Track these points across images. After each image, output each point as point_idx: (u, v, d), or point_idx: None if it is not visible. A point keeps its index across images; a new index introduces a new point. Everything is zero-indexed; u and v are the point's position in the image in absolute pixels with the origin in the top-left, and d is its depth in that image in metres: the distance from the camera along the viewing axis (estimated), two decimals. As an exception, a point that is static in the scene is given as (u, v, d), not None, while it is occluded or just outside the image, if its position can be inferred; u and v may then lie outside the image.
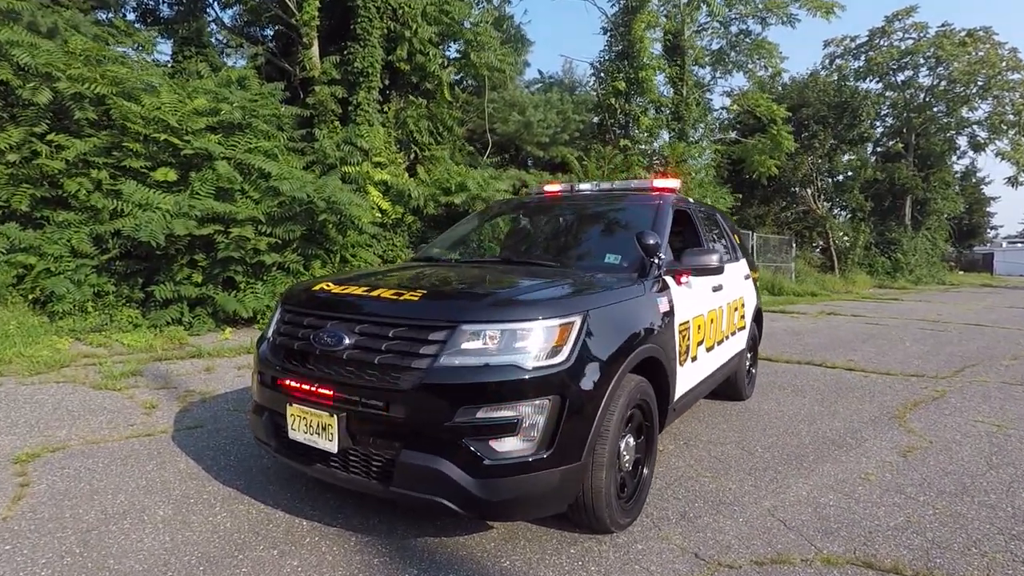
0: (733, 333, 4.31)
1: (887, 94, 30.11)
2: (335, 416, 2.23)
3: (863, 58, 29.44)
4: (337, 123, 11.26)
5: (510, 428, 2.09)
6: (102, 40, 9.46)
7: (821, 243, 28.06)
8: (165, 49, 14.06)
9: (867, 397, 5.32)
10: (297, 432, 2.39)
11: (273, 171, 8.56)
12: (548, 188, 4.39)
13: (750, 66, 20.32)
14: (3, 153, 7.62)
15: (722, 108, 23.20)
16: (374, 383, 2.20)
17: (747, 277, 4.96)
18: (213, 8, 13.38)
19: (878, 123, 30.57)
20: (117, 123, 8.01)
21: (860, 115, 26.19)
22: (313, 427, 2.32)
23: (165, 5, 13.29)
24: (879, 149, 31.47)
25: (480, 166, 13.19)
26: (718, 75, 21.01)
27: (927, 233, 30.87)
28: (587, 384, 2.25)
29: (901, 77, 29.83)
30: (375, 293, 2.43)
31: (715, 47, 20.24)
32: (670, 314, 3.00)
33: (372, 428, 2.21)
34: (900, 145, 29.83)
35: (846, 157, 28.19)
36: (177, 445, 3.64)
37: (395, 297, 2.36)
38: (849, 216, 29.17)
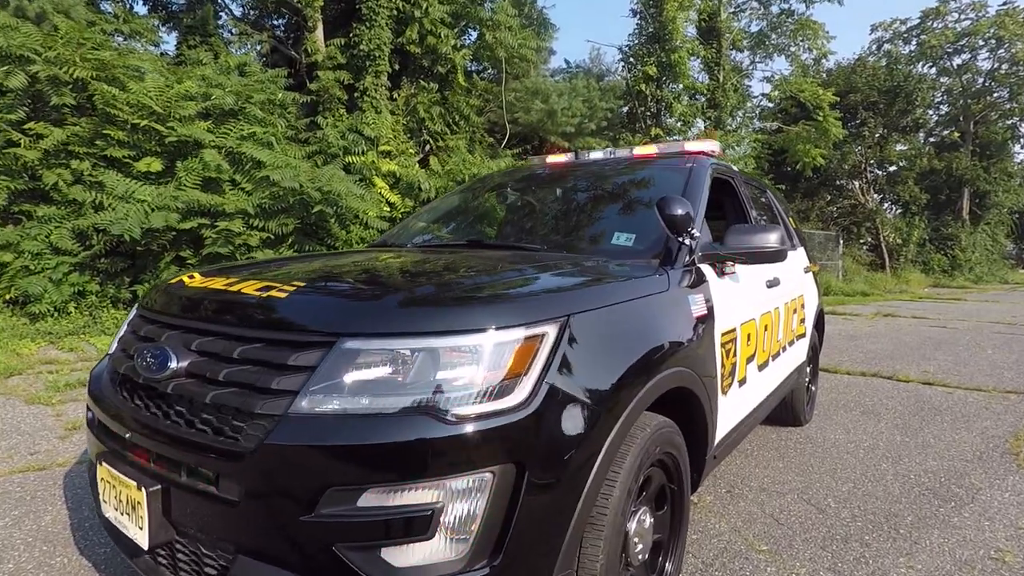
0: (791, 342, 3.29)
1: (942, 80, 27.97)
2: (143, 491, 1.35)
3: (915, 42, 27.40)
4: (343, 111, 10.52)
5: (421, 525, 1.18)
6: (97, 27, 8.94)
7: (870, 239, 26.17)
8: (172, 40, 13.60)
9: (961, 422, 4.21)
10: (108, 506, 1.53)
11: (266, 160, 7.83)
12: (552, 159, 3.45)
13: (793, 49, 18.82)
14: (-24, 143, 7.10)
15: (762, 95, 21.71)
16: (204, 439, 1.31)
17: (807, 270, 3.92)
18: (221, -3, 12.86)
19: (931, 111, 28.46)
20: (100, 110, 7.40)
21: (914, 100, 24.28)
22: (123, 503, 1.44)
23: (174, -4, 12.83)
24: (932, 139, 29.31)
25: (500, 157, 12.29)
26: (757, 59, 19.58)
27: (987, 228, 28.59)
28: (565, 440, 1.32)
29: (957, 61, 27.65)
30: (236, 287, 1.54)
31: (754, 29, 18.85)
32: (708, 319, 2.03)
33: (199, 515, 1.32)
34: (956, 134, 27.67)
35: (898, 146, 26.24)
36: (63, 486, 2.84)
37: (257, 295, 1.46)
38: (901, 210, 27.20)
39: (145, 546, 1.36)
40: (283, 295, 1.42)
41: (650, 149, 3.16)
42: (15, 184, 7.14)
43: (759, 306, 2.63)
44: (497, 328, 1.30)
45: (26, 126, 7.25)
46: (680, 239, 2.02)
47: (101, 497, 1.55)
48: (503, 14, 11.31)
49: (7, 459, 3.20)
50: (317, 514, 1.16)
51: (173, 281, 1.79)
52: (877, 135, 23.63)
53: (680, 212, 1.94)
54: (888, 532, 2.53)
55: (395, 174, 10.02)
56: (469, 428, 1.20)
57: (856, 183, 24.88)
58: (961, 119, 27.93)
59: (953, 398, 4.95)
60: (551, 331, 1.36)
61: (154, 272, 7.53)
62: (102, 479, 1.53)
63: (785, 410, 3.77)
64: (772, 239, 2.15)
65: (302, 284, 1.49)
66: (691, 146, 3.07)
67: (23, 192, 7.24)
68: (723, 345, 2.15)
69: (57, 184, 7.07)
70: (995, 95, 27.32)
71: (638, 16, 15.56)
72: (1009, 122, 27.95)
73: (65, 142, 7.18)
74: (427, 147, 11.73)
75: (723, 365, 2.15)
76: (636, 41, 15.58)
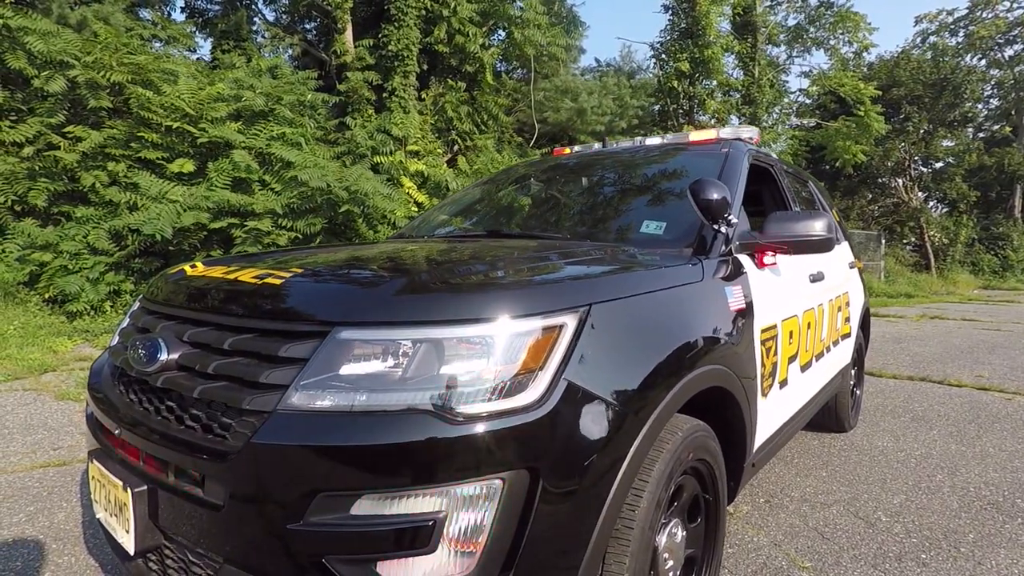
0: (835, 342, 3.07)
1: (992, 72, 26.70)
2: (128, 491, 1.25)
3: (962, 34, 26.23)
4: (371, 111, 10.55)
5: (422, 537, 1.05)
6: (134, 33, 9.15)
7: (914, 239, 25.10)
8: (207, 46, 13.90)
9: (1022, 431, 3.89)
10: (98, 506, 1.44)
11: (295, 160, 7.87)
12: (576, 149, 3.30)
13: (832, 42, 18.16)
14: (20, 146, 7.31)
15: (799, 90, 21.05)
16: (191, 436, 1.21)
17: (851, 266, 3.67)
18: (255, 3, 13.07)
19: (980, 105, 27.18)
20: (135, 113, 7.55)
21: (963, 94, 23.20)
22: (111, 503, 1.35)
23: (211, 2, 13.10)
24: (981, 134, 28.00)
25: (528, 157, 12.17)
26: (795, 54, 18.96)
27: (1041, 227, 27.14)
28: (586, 443, 1.17)
29: (1009, 52, 26.37)
30: (233, 275, 1.43)
31: (791, 22, 18.27)
32: (747, 314, 1.85)
33: (186, 519, 1.21)
34: (1008, 129, 26.36)
35: (945, 142, 25.11)
36: (81, 482, 2.83)
37: (253, 282, 1.35)
38: (947, 209, 26.04)
39: (131, 551, 1.26)
40: (278, 282, 1.31)
41: (682, 137, 2.99)
42: (55, 186, 7.33)
43: (802, 301, 2.43)
44: (509, 317, 1.16)
45: (65, 129, 7.44)
46: (715, 226, 1.85)
47: (92, 496, 1.47)
48: (532, 11, 11.18)
49: (30, 454, 3.21)
50: (306, 522, 1.04)
51: (174, 271, 1.71)
52: (922, 130, 22.64)
53: (716, 196, 1.77)
54: (948, 550, 2.29)
55: (423, 174, 9.99)
56: (477, 429, 1.07)
57: (899, 180, 23.89)
58: (1013, 113, 26.61)
59: (1013, 405, 4.60)
60: (570, 322, 1.22)
61: (186, 271, 7.65)
62: (93, 477, 1.45)
63: (828, 415, 3.54)
64: (817, 227, 1.96)
65: (300, 271, 1.38)
66: (726, 133, 2.89)
67: (62, 193, 7.44)
68: (763, 343, 1.97)
69: (94, 185, 7.24)
70: (1050, 87, 25.97)
71: (670, 12, 15.24)
72: (1066, 115, 26.53)
73: (102, 145, 7.34)
74: (455, 147, 11.68)
75: (763, 365, 1.97)
76: (668, 37, 15.25)
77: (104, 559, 2.12)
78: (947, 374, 5.79)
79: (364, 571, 1.04)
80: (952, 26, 26.38)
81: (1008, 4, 25.40)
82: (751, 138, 2.87)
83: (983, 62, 26.60)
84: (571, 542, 1.15)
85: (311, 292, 1.31)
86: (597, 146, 3.29)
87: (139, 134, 7.39)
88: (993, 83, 27.13)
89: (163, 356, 1.30)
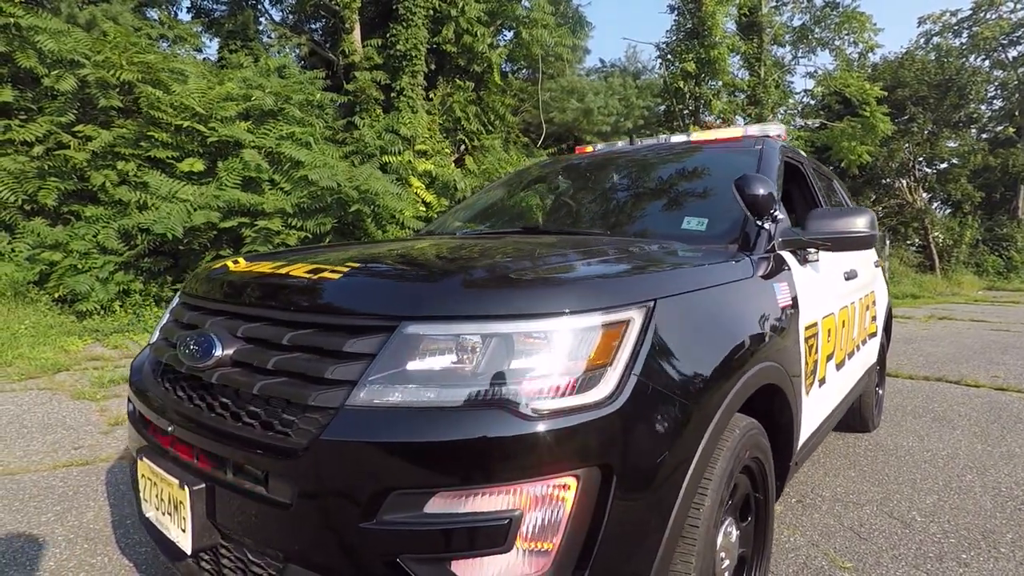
0: (864, 341, 3.04)
1: (995, 73, 26.65)
2: (186, 489, 1.23)
3: (965, 34, 26.18)
4: (379, 111, 10.53)
5: (497, 536, 1.03)
6: (142, 32, 9.14)
7: (918, 240, 25.07)
8: (213, 46, 13.90)
9: (1047, 431, 3.86)
10: (148, 505, 1.42)
11: (305, 159, 7.86)
12: (601, 147, 3.28)
13: (837, 43, 18.15)
14: (30, 145, 7.29)
15: (804, 91, 21.03)
16: (251, 433, 1.18)
17: (876, 264, 3.64)
18: (261, 3, 13.07)
19: (984, 106, 27.14)
20: (145, 112, 7.53)
21: (968, 94, 23.18)
22: (164, 502, 1.33)
23: (217, 2, 13.10)
24: (985, 135, 27.96)
25: (535, 157, 12.15)
26: (800, 54, 18.93)
27: (1045, 229, 27.09)
28: (658, 440, 1.15)
29: (1013, 53, 26.30)
30: (284, 271, 1.41)
31: (796, 23, 18.24)
32: (793, 310, 1.83)
33: (246, 518, 1.19)
34: (1012, 130, 26.30)
35: (950, 143, 25.08)
36: (106, 482, 2.79)
37: (308, 277, 1.33)
38: (951, 210, 26.01)
39: (188, 550, 1.24)
40: (336, 276, 1.29)
41: (709, 134, 2.97)
42: (65, 185, 7.31)
43: (838, 299, 2.41)
44: (579, 312, 1.13)
45: (75, 128, 7.43)
46: (760, 222, 1.83)
47: (142, 495, 1.45)
48: (540, 11, 11.17)
49: (52, 453, 3.19)
50: (379, 521, 1.02)
51: (217, 266, 1.69)
52: (927, 131, 22.63)
53: (762, 192, 1.75)
54: (987, 551, 2.27)
55: (431, 173, 9.98)
56: (551, 425, 1.05)
57: (904, 181, 23.88)
58: (1017, 113, 26.55)
59: (1033, 405, 4.57)
60: (637, 317, 1.19)
61: (193, 271, 7.64)
62: (143, 476, 1.43)
63: (853, 415, 3.51)
64: (860, 223, 1.94)
65: (356, 265, 1.36)
66: (753, 130, 2.87)
67: (72, 193, 7.42)
68: (806, 340, 1.95)
69: (104, 185, 7.22)
70: (1054, 88, 25.90)
71: (676, 12, 15.23)
72: (1070, 116, 26.45)
73: (112, 144, 7.33)
74: (462, 147, 11.67)
75: (806, 363, 1.94)
76: (674, 37, 15.24)
77: (138, 559, 2.10)
78: (963, 374, 5.77)
79: (439, 570, 1.02)
80: (955, 27, 26.31)
81: (1012, 5, 25.35)
82: (779, 135, 2.84)
83: (987, 63, 26.56)
84: (644, 541, 1.13)
85: (374, 287, 1.29)
86: (621, 144, 3.27)
87: (149, 133, 7.37)
88: (997, 84, 27.08)
89: (218, 352, 1.28)
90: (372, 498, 1.02)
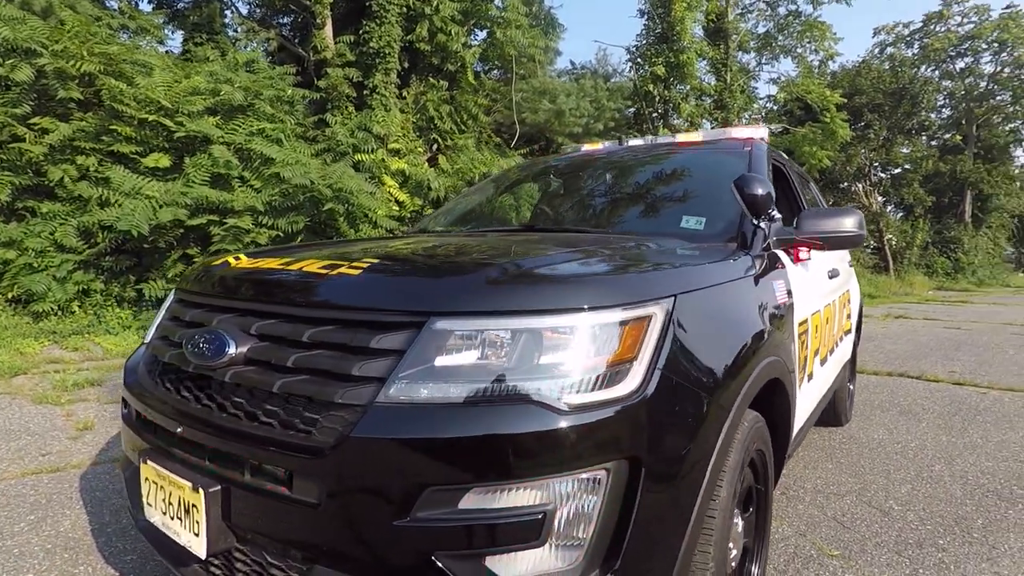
0: (841, 338, 3.16)
1: (944, 83, 27.95)
2: (201, 492, 1.20)
3: (917, 46, 27.37)
4: (351, 108, 10.38)
5: (532, 530, 1.03)
6: (103, 22, 8.79)
7: (873, 242, 26.10)
8: (177, 39, 13.47)
9: (1004, 423, 4.07)
10: (152, 510, 1.37)
11: (276, 156, 7.69)
12: (587, 148, 3.31)
13: (799, 50, 18.73)
14: (-18, 138, 6.93)
15: (768, 97, 21.61)
16: (270, 433, 1.16)
17: (850, 263, 3.78)
18: (227, -6, 12.70)
19: (934, 114, 28.43)
20: (107, 104, 7.25)
21: (920, 102, 24.25)
22: (173, 505, 1.29)
23: (180, -7, 12.67)
24: (934, 143, 29.29)
25: (508, 157, 12.15)
26: (764, 61, 19.50)
27: (989, 232, 28.53)
28: (683, 433, 1.18)
29: (960, 64, 27.63)
30: (295, 267, 1.39)
31: (761, 30, 18.76)
32: (789, 307, 1.89)
33: (266, 519, 1.16)
34: (958, 137, 27.63)
35: (903, 149, 26.19)
36: (81, 489, 2.68)
37: (323, 272, 1.31)
38: (904, 213, 27.15)
39: (202, 554, 1.20)
40: (356, 272, 1.27)
41: (694, 136, 3.03)
42: (19, 180, 6.98)
43: (823, 297, 2.49)
44: (606, 307, 1.15)
45: (31, 121, 7.09)
46: (757, 221, 1.88)
47: (145, 500, 1.39)
48: (514, 12, 11.18)
49: (18, 460, 3.04)
50: (413, 518, 1.01)
51: (217, 262, 1.64)
52: (882, 137, 23.58)
53: (761, 192, 1.80)
54: (961, 536, 2.38)
55: (404, 172, 9.88)
56: (583, 419, 1.06)
57: (860, 185, 24.81)
58: (964, 122, 27.89)
59: (989, 398, 4.81)
60: (659, 312, 1.22)
61: (160, 270, 7.39)
62: (147, 479, 1.38)
63: (828, 409, 3.62)
64: (849, 223, 2.01)
65: (375, 261, 1.34)
66: (737, 132, 2.94)
67: (27, 188, 7.08)
68: (799, 336, 2.01)
69: (62, 180, 6.92)
70: (997, 98, 27.29)
71: (646, 16, 15.47)
72: (1011, 126, 27.91)
73: (71, 137, 7.03)
74: (435, 146, 11.60)
75: (799, 357, 2.01)
76: (644, 41, 15.48)
77: (124, 568, 2.02)
78: (923, 370, 6.03)
79: (474, 566, 1.02)
80: (908, 38, 27.47)
81: (959, 19, 26.61)
82: (762, 138, 2.92)
83: (936, 73, 27.81)
84: (671, 532, 1.15)
85: (399, 282, 1.28)
86: (607, 144, 3.31)
87: (111, 127, 7.10)
88: (945, 94, 28.39)
89: (231, 350, 1.25)
90: (406, 495, 1.02)
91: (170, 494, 1.29)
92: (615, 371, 1.12)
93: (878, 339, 8.52)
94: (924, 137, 28.35)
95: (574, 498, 1.05)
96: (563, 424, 1.05)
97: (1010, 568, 2.14)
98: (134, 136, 7.20)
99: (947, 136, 28.47)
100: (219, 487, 1.19)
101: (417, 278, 1.33)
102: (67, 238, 6.79)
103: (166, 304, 1.72)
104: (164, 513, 1.32)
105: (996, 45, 26.10)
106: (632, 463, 1.09)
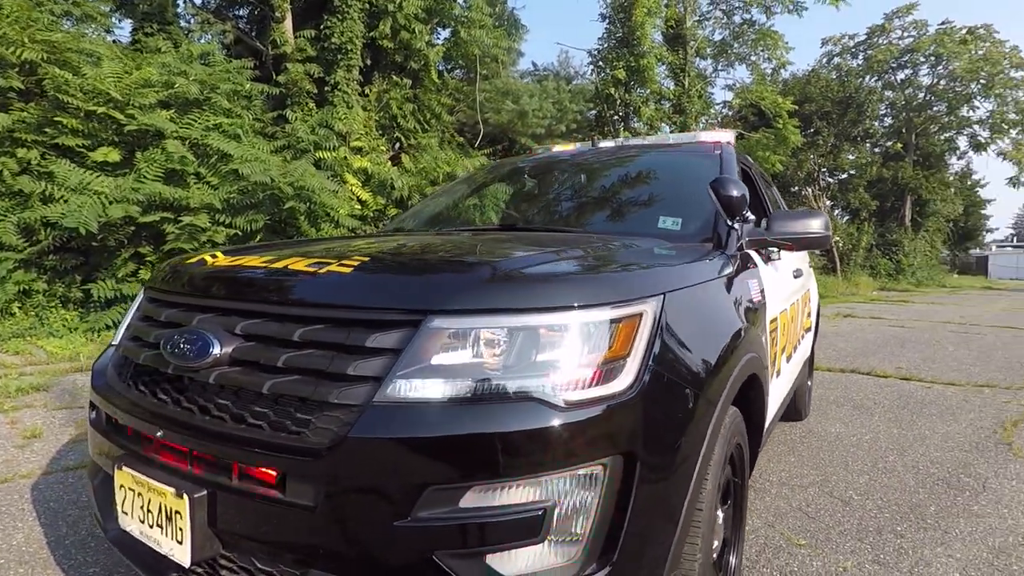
0: (803, 336, 3.28)
1: (886, 93, 29.39)
2: (185, 497, 1.15)
3: (862, 56, 28.70)
4: (312, 105, 10.16)
5: (532, 526, 1.04)
6: (45, 8, 8.33)
7: (823, 244, 27.10)
8: (126, 28, 12.92)
9: (948, 414, 4.31)
10: (129, 518, 1.31)
11: (234, 152, 7.45)
12: (559, 148, 3.34)
13: (753, 58, 19.36)
14: (-90, 128, 6.47)
15: (723, 102, 22.25)
16: (259, 435, 1.12)
17: (809, 264, 3.93)
18: (180, -16, 12.23)
19: (877, 122, 29.87)
20: (50, 95, 6.87)
21: (865, 111, 25.44)
22: (153, 513, 1.24)
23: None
24: (877, 150, 30.77)
25: (472, 157, 12.11)
26: (720, 67, 20.05)
27: (927, 235, 30.15)
28: (675, 428, 1.21)
29: (901, 76, 29.12)
30: (280, 264, 1.35)
31: (717, 38, 19.30)
32: (762, 306, 1.95)
33: (255, 524, 1.13)
34: (899, 145, 29.11)
35: (849, 155, 27.42)
36: (33, 500, 2.54)
37: (312, 271, 1.28)
38: (850, 217, 28.41)
39: (186, 562, 1.16)
40: (347, 270, 1.25)
41: (666, 139, 3.10)
42: (-46, 173, 6.55)
43: (789, 296, 2.59)
44: (600, 305, 1.17)
45: (-34, 111, 6.67)
46: (732, 223, 1.94)
47: (120, 508, 1.33)
48: (478, 11, 11.17)
49: (-39, 471, 2.86)
50: (414, 518, 1.00)
51: (192, 260, 1.58)
52: (830, 144, 24.61)
53: (736, 193, 1.86)
54: (917, 523, 2.51)
55: (367, 171, 9.73)
56: (581, 415, 1.07)
57: (810, 189, 25.83)
58: (904, 131, 29.39)
59: (933, 392, 5.08)
60: (649, 310, 1.24)
61: (110, 270, 7.05)
62: (122, 486, 1.31)
63: (790, 405, 3.76)
64: (816, 225, 2.09)
65: (365, 259, 1.32)
66: (705, 136, 3.02)
67: (-38, 182, 6.65)
68: (770, 334, 2.08)
69: (1, 174, 6.53)
70: (934, 109, 28.86)
71: (607, 21, 15.71)
72: (946, 135, 29.56)
73: (10, 129, 6.63)
74: (398, 145, 11.47)
75: (770, 353, 2.08)
76: (605, 45, 15.72)
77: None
78: (872, 366, 6.32)
79: (476, 564, 1.01)
80: (853, 49, 28.77)
81: (900, 33, 28.04)
82: (729, 141, 3.01)
83: (879, 83, 29.22)
84: (664, 526, 1.18)
85: (393, 280, 1.26)
86: (578, 146, 3.35)
87: (55, 119, 6.74)
88: (887, 103, 29.87)
89: (215, 351, 1.21)
90: (407, 495, 1.01)
91: (149, 501, 1.23)
92: (610, 368, 1.14)
93: (829, 337, 8.88)
94: (868, 144, 29.73)
95: (572, 494, 1.07)
96: (562, 421, 1.06)
97: (962, 551, 2.26)
98: (81, 129, 6.86)
99: (889, 144, 29.95)
100: (205, 492, 1.15)
101: (412, 276, 1.31)
102: (7, 235, 6.41)
103: (136, 304, 1.65)
104: (142, 521, 1.26)
105: (933, 58, 27.63)
106: (627, 458, 1.11)
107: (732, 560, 1.73)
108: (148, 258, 7.15)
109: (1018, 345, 8.28)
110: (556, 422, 1.05)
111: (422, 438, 1.02)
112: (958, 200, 33.49)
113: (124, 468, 1.29)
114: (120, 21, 11.95)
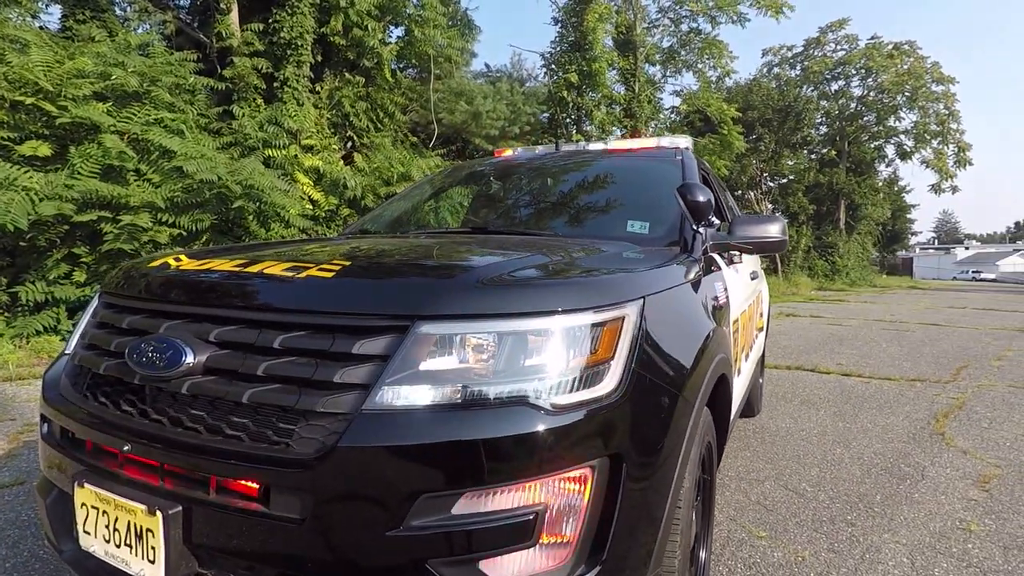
0: (756, 335, 3.41)
1: (822, 103, 30.96)
2: (159, 514, 1.09)
3: (799, 67, 30.14)
4: (260, 101, 9.83)
5: (524, 531, 1.04)
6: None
7: (764, 246, 28.27)
8: (55, 14, 12.15)
9: (887, 408, 4.57)
10: (93, 538, 1.24)
11: (177, 149, 7.12)
12: (522, 150, 3.35)
13: (699, 66, 20.03)
14: None
15: (672, 108, 22.89)
16: (239, 446, 1.08)
17: (760, 267, 4.09)
18: (115, -30, 11.60)
19: (814, 130, 31.43)
20: (-29, 85, 6.39)
21: (803, 119, 26.70)
22: (120, 532, 1.17)
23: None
24: (814, 156, 32.38)
25: (426, 158, 12.01)
26: (669, 74, 20.64)
27: (859, 237, 31.92)
28: (658, 429, 1.24)
29: (835, 87, 30.73)
30: (255, 268, 1.30)
31: (666, 45, 19.85)
32: (727, 307, 2.02)
33: (236, 539, 1.08)
34: (834, 152, 30.72)
35: (789, 161, 28.72)
36: (-33, 520, 2.35)
37: (291, 275, 1.24)
38: (789, 219, 29.76)
39: (159, 583, 1.10)
40: (328, 274, 1.21)
41: (627, 144, 3.16)
42: None
43: (747, 298, 2.68)
44: (587, 308, 1.18)
45: None
46: (697, 227, 2.00)
47: (81, 527, 1.25)
48: (432, 11, 11.08)
49: None
50: (407, 527, 0.98)
51: (154, 264, 1.50)
52: (771, 150, 25.70)
53: (702, 198, 1.91)
54: (865, 511, 2.65)
55: (318, 170, 9.49)
56: (570, 419, 1.08)
57: (752, 193, 26.91)
58: (838, 139, 31.03)
59: (871, 387, 5.38)
60: (631, 313, 1.26)
61: (40, 271, 6.61)
62: (84, 504, 1.23)
63: (745, 402, 3.91)
64: (774, 229, 2.17)
65: (346, 263, 1.28)
66: (665, 142, 3.10)
67: None
68: (733, 334, 2.16)
69: (-85, 168, 6.02)
70: (865, 119, 30.59)
71: (559, 24, 15.88)
72: (876, 143, 31.38)
73: (-74, 119, 6.14)
74: (350, 144, 11.25)
75: (733, 354, 2.15)
76: (558, 48, 15.88)
77: (32, 605, 1.80)
78: (815, 363, 6.63)
79: (469, 571, 1.01)
80: (791, 60, 30.17)
81: (833, 46, 29.59)
82: (687, 147, 3.10)
83: (815, 93, 30.75)
84: (649, 525, 1.20)
85: (382, 286, 1.23)
86: (541, 149, 3.38)
87: (-22, 110, 6.28)
88: (823, 113, 31.46)
89: (188, 359, 1.15)
90: (399, 504, 0.99)
91: (116, 519, 1.16)
92: (595, 371, 1.15)
93: (774, 335, 9.25)
94: (806, 151, 31.23)
95: (562, 497, 1.07)
96: (552, 425, 1.06)
97: (907, 536, 2.41)
98: (6, 120, 6.40)
99: (824, 151, 31.57)
100: (179, 508, 1.10)
101: (398, 281, 1.28)
102: (-78, 234, 5.93)
103: (90, 309, 1.55)
104: (108, 540, 1.18)
105: (863, 71, 29.27)
106: (614, 460, 1.13)
107: (703, 554, 1.78)
108: (84, 259, 6.75)
109: (943, 341, 8.86)
110: (546, 426, 1.05)
111: (416, 445, 1.00)
112: (887, 205, 35.56)
113: (86, 485, 1.21)
114: (48, 6, 11.24)
